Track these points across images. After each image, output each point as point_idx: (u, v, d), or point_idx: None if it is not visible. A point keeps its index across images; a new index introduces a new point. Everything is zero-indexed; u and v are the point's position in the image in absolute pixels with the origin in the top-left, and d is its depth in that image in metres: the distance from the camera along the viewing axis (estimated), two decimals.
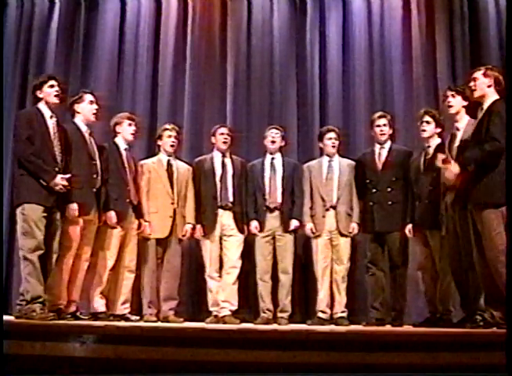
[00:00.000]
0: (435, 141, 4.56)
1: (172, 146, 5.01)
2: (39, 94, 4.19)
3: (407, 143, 5.22)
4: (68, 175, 4.05)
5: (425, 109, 4.76)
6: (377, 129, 4.91)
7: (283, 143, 5.20)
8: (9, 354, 2.94)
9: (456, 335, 3.42)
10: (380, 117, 4.94)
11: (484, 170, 3.79)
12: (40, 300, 3.91)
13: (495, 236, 3.68)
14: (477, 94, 3.97)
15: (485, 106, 3.89)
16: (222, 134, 5.08)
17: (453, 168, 3.93)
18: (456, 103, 4.27)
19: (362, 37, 6.06)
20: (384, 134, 4.88)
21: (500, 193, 3.65)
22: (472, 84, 3.97)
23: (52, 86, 4.20)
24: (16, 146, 4.07)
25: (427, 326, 4.30)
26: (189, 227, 4.92)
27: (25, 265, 3.94)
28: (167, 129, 5.04)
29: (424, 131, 4.59)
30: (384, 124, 4.90)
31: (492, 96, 3.90)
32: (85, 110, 4.51)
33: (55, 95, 4.20)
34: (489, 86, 3.91)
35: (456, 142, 4.16)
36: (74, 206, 4.21)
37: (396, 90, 5.92)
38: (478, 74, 3.96)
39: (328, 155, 5.09)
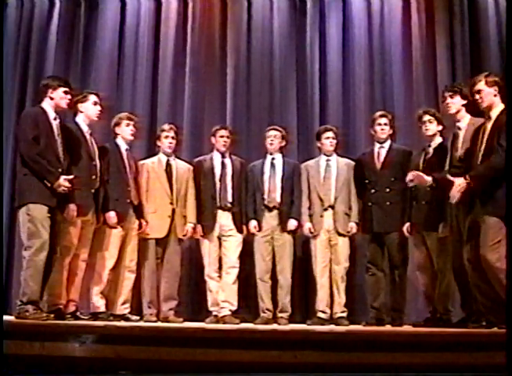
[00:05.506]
0: (437, 140, 4.56)
1: (170, 146, 5.00)
2: (51, 93, 4.15)
3: (407, 143, 5.21)
4: (71, 177, 4.04)
5: (423, 109, 4.76)
6: (378, 128, 4.91)
7: (283, 143, 5.20)
8: (9, 354, 2.93)
9: (456, 335, 3.43)
10: (381, 115, 4.95)
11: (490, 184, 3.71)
12: (35, 303, 3.89)
13: (497, 243, 3.58)
14: (484, 105, 3.88)
15: (493, 114, 3.82)
16: (222, 136, 5.07)
17: (458, 182, 3.79)
18: (455, 102, 4.24)
19: (362, 37, 6.06)
20: (385, 133, 4.89)
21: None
22: (478, 96, 3.89)
23: (66, 92, 4.18)
24: (22, 146, 4.01)
25: (427, 326, 4.30)
26: (190, 227, 4.92)
27: (27, 267, 3.91)
28: (164, 130, 5.04)
29: (428, 129, 4.59)
30: (385, 123, 4.91)
31: (498, 105, 3.84)
32: (89, 110, 4.51)
33: (67, 103, 4.21)
34: (495, 95, 3.85)
35: (459, 142, 4.12)
36: (73, 207, 4.20)
37: (396, 90, 5.93)
38: (482, 86, 3.87)
39: (326, 154, 5.10)
